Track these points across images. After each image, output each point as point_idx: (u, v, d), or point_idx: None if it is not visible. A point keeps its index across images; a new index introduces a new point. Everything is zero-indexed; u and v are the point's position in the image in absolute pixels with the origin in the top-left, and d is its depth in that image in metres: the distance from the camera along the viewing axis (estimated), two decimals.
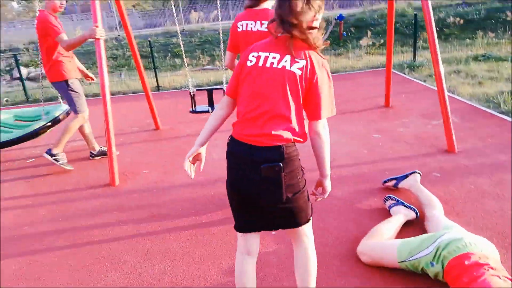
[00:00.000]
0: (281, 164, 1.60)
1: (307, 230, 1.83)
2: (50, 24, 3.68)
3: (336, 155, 3.89)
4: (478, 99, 5.26)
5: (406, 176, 3.09)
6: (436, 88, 3.89)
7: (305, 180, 1.74)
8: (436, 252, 2.10)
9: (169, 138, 4.87)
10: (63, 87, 3.89)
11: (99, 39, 3.66)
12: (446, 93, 3.80)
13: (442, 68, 3.82)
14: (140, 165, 4.12)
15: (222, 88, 4.14)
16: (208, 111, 4.20)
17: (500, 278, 1.87)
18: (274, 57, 1.62)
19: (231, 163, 1.74)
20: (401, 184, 3.09)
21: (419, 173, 3.08)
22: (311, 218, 1.82)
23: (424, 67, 7.35)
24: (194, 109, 4.24)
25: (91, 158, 4.37)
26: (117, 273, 2.50)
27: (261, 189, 1.65)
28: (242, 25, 2.74)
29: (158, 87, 7.75)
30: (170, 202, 3.32)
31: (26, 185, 3.89)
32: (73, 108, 3.97)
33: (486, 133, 4.13)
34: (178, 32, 4.62)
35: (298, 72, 1.58)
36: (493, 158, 3.54)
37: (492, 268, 1.93)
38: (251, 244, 1.85)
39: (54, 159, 3.98)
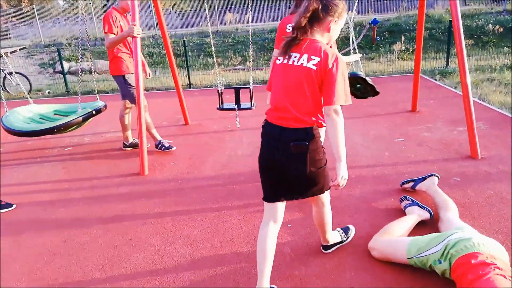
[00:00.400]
0: (307, 142, 1.91)
1: (324, 198, 2.23)
2: (107, 20, 4.00)
3: (358, 156, 3.96)
4: (508, 108, 5.17)
5: (424, 179, 3.14)
6: None
7: (326, 159, 2.04)
8: (444, 250, 2.16)
9: (196, 133, 5.08)
10: (121, 81, 4.18)
11: (136, 37, 3.90)
12: (471, 100, 3.81)
13: (469, 78, 3.81)
14: (168, 157, 4.34)
15: (248, 87, 4.31)
16: (234, 109, 4.37)
17: (506, 278, 1.92)
18: (295, 56, 1.94)
19: (264, 141, 2.09)
20: (419, 186, 3.14)
21: (437, 176, 3.12)
22: (329, 189, 2.16)
23: (456, 73, 7.25)
24: (221, 106, 4.42)
25: (123, 148, 4.62)
26: (142, 254, 2.70)
27: (290, 163, 1.97)
28: (290, 27, 3.00)
29: (190, 85, 8.02)
30: (194, 192, 3.51)
31: (63, 171, 4.18)
32: (130, 100, 4.22)
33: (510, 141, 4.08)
34: (210, 32, 4.81)
35: (313, 68, 1.87)
36: None
37: (498, 268, 1.98)
38: (276, 212, 2.14)
39: (159, 148, 4.44)
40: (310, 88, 1.88)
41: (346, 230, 2.65)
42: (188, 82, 8.04)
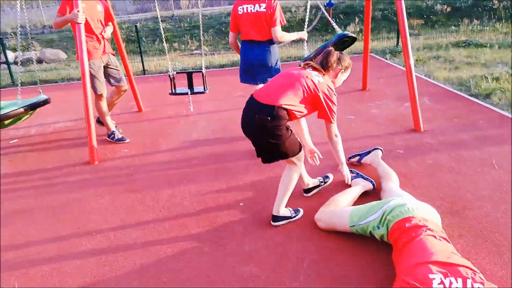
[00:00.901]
0: (269, 118, 2.32)
1: (295, 160, 2.57)
2: (63, 2, 3.85)
3: (310, 134, 4.05)
4: (452, 83, 5.45)
5: (368, 152, 3.28)
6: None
7: (290, 133, 2.44)
8: (382, 217, 2.29)
9: (150, 120, 5.02)
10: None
11: (79, 23, 3.77)
12: (414, 78, 3.99)
13: (412, 59, 4.00)
14: (120, 145, 4.27)
15: (201, 71, 4.29)
16: (187, 93, 4.35)
17: (436, 238, 2.07)
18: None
19: (243, 111, 2.52)
20: (364, 160, 3.28)
21: (381, 149, 3.27)
22: (297, 154, 2.54)
23: None
24: (173, 91, 4.38)
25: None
26: (92, 241, 2.68)
27: (255, 132, 2.45)
28: (242, 9, 3.51)
29: (144, 71, 7.86)
30: (146, 178, 3.49)
31: (9, 164, 4.03)
32: (92, 88, 4.08)
33: (453, 114, 4.32)
34: (159, 16, 4.72)
35: (311, 84, 2.40)
36: (455, 137, 3.74)
37: (429, 229, 2.12)
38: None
39: (111, 139, 4.33)
40: (299, 95, 2.39)
41: (296, 211, 2.75)
42: (142, 69, 7.87)
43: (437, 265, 1.85)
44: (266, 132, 2.37)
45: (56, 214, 3.03)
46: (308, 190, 2.99)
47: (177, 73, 4.41)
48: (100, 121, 4.54)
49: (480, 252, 2.30)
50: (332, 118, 2.49)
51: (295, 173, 2.62)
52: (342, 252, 2.38)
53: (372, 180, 2.92)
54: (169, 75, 4.31)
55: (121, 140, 4.33)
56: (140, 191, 3.28)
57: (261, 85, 3.54)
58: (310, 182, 2.98)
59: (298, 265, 2.32)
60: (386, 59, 7.27)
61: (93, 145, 3.85)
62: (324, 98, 2.42)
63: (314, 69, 2.50)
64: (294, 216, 2.70)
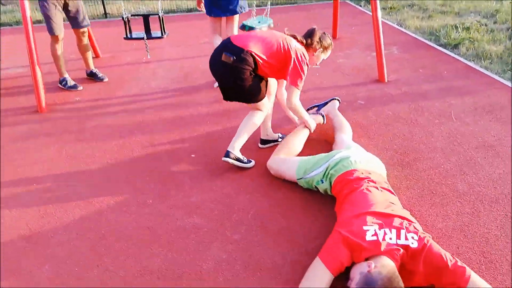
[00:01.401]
0: (235, 57, 2.36)
1: (259, 105, 2.60)
2: None
3: None
4: (423, 32, 5.31)
5: (325, 103, 3.19)
6: (386, 21, 3.89)
7: (254, 80, 2.45)
8: (325, 171, 2.26)
9: (108, 66, 4.75)
10: (41, 7, 3.72)
11: None
12: (380, 28, 3.84)
13: (379, 11, 3.82)
14: (73, 93, 4.06)
15: (158, 15, 4.02)
16: (143, 38, 4.10)
17: (377, 189, 2.04)
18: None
19: (216, 48, 2.51)
20: (321, 111, 3.20)
21: (338, 100, 3.19)
22: (259, 101, 2.57)
23: None
24: (128, 35, 4.12)
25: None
26: (31, 193, 2.57)
27: (219, 69, 2.47)
28: None
29: (105, 15, 7.39)
30: (97, 128, 3.34)
31: None
32: (48, 29, 3.79)
33: (420, 64, 4.23)
34: None
35: (287, 46, 2.47)
36: (418, 88, 3.68)
37: (372, 181, 2.09)
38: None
39: (62, 85, 4.10)
40: (276, 55, 2.45)
41: (249, 161, 2.69)
42: (103, 12, 7.39)
43: (374, 216, 1.84)
44: (228, 71, 2.41)
45: None
46: (264, 142, 2.92)
47: (132, 16, 4.12)
48: (89, 74, 4.29)
49: (424, 204, 2.31)
50: (298, 84, 2.49)
51: (256, 119, 2.62)
52: (289, 204, 2.35)
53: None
54: (123, 18, 4.02)
55: (73, 87, 4.10)
56: (88, 142, 3.14)
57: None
58: (270, 134, 2.91)
59: (243, 217, 2.28)
60: (361, 6, 7.01)
61: (40, 93, 3.63)
62: (295, 61, 2.44)
63: (297, 40, 2.55)
64: (245, 163, 2.65)
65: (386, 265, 1.67)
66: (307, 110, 3.27)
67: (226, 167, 2.70)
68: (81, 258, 2.06)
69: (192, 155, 2.89)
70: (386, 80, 3.87)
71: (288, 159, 2.53)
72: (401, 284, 1.64)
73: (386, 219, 1.83)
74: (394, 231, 1.79)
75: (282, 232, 2.16)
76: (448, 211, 2.24)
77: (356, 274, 1.68)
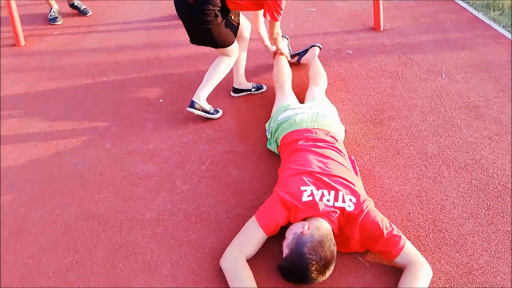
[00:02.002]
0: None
1: (227, 51, 2.44)
2: None
3: None
4: None
5: (306, 51, 3.00)
6: None
7: (220, 22, 2.25)
8: (272, 134, 2.22)
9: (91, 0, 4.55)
10: None
11: None
12: None
13: None
14: (54, 27, 3.92)
15: None
16: None
17: (322, 148, 1.94)
18: None
19: None
20: (302, 60, 3.02)
21: (319, 47, 3.00)
22: (227, 46, 2.40)
23: None
24: None
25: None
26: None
27: (184, 11, 2.27)
28: None
29: None
30: (69, 66, 3.25)
31: None
32: None
33: (424, 12, 3.91)
34: None
35: None
36: (413, 39, 3.42)
37: (316, 139, 2.01)
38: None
39: (49, 16, 3.98)
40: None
41: (216, 110, 2.59)
42: None
43: (311, 176, 1.76)
44: (190, 13, 2.22)
45: None
46: (236, 90, 2.79)
47: None
48: (71, 6, 4.13)
49: (386, 165, 2.21)
50: (277, 16, 2.32)
51: (224, 66, 2.48)
52: (247, 159, 2.29)
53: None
54: None
55: (53, 20, 3.95)
56: (59, 80, 3.07)
57: None
58: (243, 83, 2.77)
59: (196, 167, 2.24)
60: None
61: (16, 25, 3.51)
62: None
63: None
64: (212, 114, 2.55)
65: (320, 227, 1.62)
66: (292, 57, 3.09)
67: (192, 115, 2.61)
68: (28, 199, 2.07)
69: (160, 100, 2.80)
70: (381, 29, 3.60)
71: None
72: (333, 248, 1.59)
73: (325, 179, 1.75)
74: (332, 192, 1.72)
75: (232, 186, 2.11)
76: (409, 174, 2.14)
77: (290, 234, 1.64)
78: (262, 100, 2.75)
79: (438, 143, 2.33)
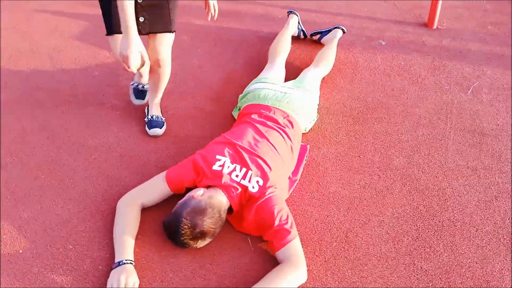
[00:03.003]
0: None
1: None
2: None
3: (327, 5, 3.55)
4: None
5: (329, 31, 2.85)
6: None
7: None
8: (239, 99, 2.23)
9: None
10: None
11: None
12: None
13: None
14: None
15: None
16: None
17: (265, 127, 1.91)
18: None
19: None
20: (323, 40, 2.88)
21: (343, 30, 2.82)
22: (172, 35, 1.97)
23: None
24: None
25: None
26: None
27: None
28: None
29: None
30: None
31: None
32: None
33: (496, 19, 3.41)
34: None
35: None
36: (462, 45, 3.03)
37: (267, 118, 1.97)
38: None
39: None
40: None
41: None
42: None
43: (234, 149, 1.77)
44: None
45: None
46: None
47: None
48: None
49: (339, 164, 2.10)
50: None
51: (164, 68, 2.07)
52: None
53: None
54: None
55: None
56: None
57: None
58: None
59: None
60: None
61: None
62: None
63: None
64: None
65: (213, 197, 1.64)
66: (311, 35, 2.96)
67: None
68: None
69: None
70: (434, 26, 3.24)
71: None
72: (215, 221, 1.61)
73: (245, 155, 1.74)
74: (244, 170, 1.71)
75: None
76: (356, 180, 2.01)
77: (187, 195, 1.68)
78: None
79: (410, 159, 2.13)
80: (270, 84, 2.18)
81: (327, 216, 1.84)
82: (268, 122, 1.93)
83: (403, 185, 2.00)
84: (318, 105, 2.32)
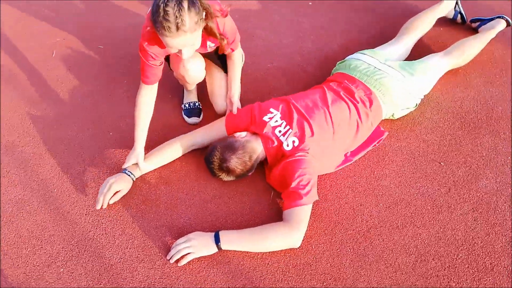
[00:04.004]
0: None
1: None
2: None
3: None
4: None
5: (491, 20, 2.40)
6: None
7: None
8: (337, 64, 2.15)
9: None
10: None
11: None
12: None
13: None
14: None
15: None
16: None
17: (339, 98, 1.86)
18: None
19: None
20: (481, 28, 2.45)
21: (507, 21, 2.33)
22: None
23: None
24: None
25: None
26: None
27: None
28: None
29: None
30: None
31: None
32: None
33: None
34: None
35: None
36: None
37: (347, 89, 1.90)
38: None
39: None
40: None
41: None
42: None
43: (288, 107, 1.81)
44: None
45: None
46: None
47: None
48: None
49: (409, 162, 1.87)
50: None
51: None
52: None
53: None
54: None
55: None
56: None
57: None
58: None
59: None
60: None
61: None
62: None
63: None
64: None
65: (249, 142, 1.75)
66: (470, 21, 2.54)
67: None
68: None
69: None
70: None
71: None
72: (244, 163, 1.71)
73: (295, 115, 1.77)
74: (287, 127, 1.76)
75: None
76: (418, 184, 1.79)
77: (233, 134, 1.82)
78: None
79: (503, 187, 1.74)
80: (368, 57, 2.04)
81: (360, 205, 1.73)
82: (342, 92, 1.85)
83: (472, 211, 1.68)
84: (424, 95, 2.07)
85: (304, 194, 1.59)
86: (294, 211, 1.58)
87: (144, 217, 1.72)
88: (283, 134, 1.73)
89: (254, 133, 1.80)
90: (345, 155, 1.86)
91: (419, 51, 2.30)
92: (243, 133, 1.77)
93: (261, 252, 1.58)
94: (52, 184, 1.85)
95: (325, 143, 1.74)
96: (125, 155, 1.86)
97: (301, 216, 1.58)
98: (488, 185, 1.76)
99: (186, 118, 2.10)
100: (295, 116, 1.75)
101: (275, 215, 1.71)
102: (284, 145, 1.71)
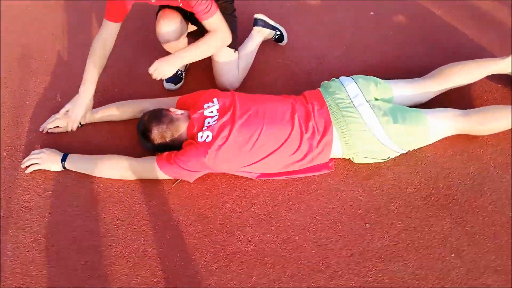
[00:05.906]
0: None
1: None
2: None
3: None
4: None
5: None
6: None
7: None
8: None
9: None
10: None
11: None
12: None
13: None
14: None
15: None
16: None
17: (310, 115, 1.73)
18: None
19: None
20: None
21: None
22: None
23: None
24: None
25: None
26: None
27: None
28: None
29: None
30: None
31: None
32: None
33: None
34: None
35: None
36: None
37: (305, 109, 1.74)
38: None
39: None
40: None
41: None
42: None
43: (232, 106, 1.76)
44: None
45: None
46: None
47: None
48: None
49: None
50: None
51: None
52: None
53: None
54: None
55: None
56: None
57: None
58: None
59: None
60: None
61: None
62: None
63: None
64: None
65: (178, 121, 1.77)
66: None
67: None
68: None
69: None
70: None
71: None
72: (157, 133, 1.74)
73: (226, 115, 1.72)
74: (214, 123, 1.73)
75: None
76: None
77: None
78: None
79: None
80: (355, 87, 1.73)
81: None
82: (297, 115, 1.71)
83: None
84: (414, 149, 1.77)
85: (176, 163, 1.65)
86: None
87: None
88: (208, 127, 1.70)
89: (190, 115, 1.80)
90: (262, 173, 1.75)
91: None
92: (179, 111, 1.79)
93: None
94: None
95: (232, 150, 1.66)
96: None
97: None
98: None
99: (164, 83, 2.17)
100: (226, 116, 1.71)
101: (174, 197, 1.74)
102: (199, 135, 1.68)
